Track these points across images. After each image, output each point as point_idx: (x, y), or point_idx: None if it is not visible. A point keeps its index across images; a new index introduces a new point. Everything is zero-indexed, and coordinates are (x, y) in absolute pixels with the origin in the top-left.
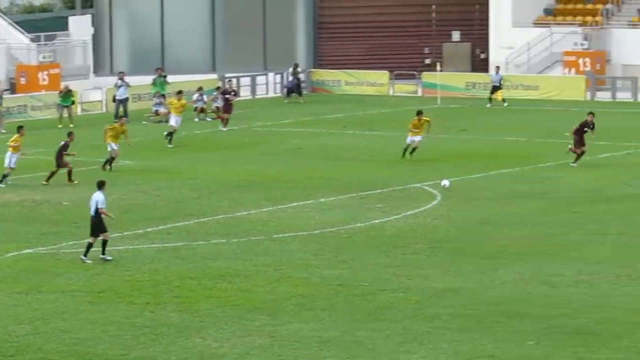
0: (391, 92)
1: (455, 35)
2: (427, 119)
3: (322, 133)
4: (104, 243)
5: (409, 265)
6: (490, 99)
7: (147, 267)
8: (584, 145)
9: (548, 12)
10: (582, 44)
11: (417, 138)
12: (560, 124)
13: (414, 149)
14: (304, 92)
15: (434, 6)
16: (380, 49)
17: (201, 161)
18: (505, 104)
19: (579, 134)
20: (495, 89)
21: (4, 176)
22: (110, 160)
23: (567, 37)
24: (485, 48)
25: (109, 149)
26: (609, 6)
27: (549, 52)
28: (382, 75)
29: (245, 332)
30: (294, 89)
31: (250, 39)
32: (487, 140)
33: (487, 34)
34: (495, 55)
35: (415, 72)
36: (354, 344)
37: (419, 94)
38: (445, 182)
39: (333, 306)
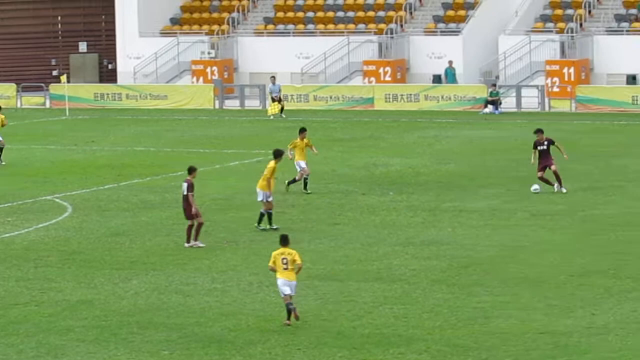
0: (19, 105)
1: (82, 46)
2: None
3: None
4: None
5: (42, 278)
6: (281, 111)
7: None
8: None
9: (175, 21)
10: (209, 53)
11: (304, 164)
12: (190, 133)
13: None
14: None
15: (59, 17)
16: (7, 61)
17: None
18: (272, 117)
19: (542, 153)
20: (275, 100)
21: None
22: None
23: (194, 46)
24: (113, 58)
25: None
26: (234, 14)
27: (177, 62)
28: (9, 88)
29: None
30: None
31: None
32: (117, 151)
33: (114, 44)
34: (124, 65)
35: (43, 84)
36: None
37: (47, 105)
38: (536, 187)
39: None
